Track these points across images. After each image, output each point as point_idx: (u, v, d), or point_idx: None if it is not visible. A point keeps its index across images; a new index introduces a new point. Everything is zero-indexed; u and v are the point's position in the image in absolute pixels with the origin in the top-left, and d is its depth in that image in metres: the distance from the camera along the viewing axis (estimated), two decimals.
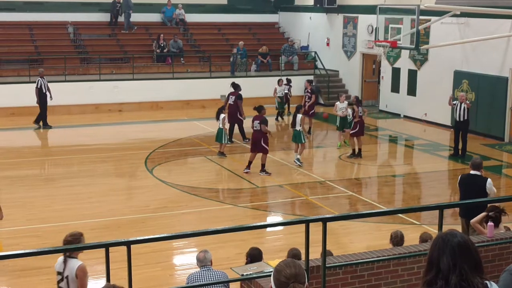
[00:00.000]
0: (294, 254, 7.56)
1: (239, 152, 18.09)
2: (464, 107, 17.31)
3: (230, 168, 16.33)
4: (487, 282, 3.34)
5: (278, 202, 13.94)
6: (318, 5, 26.91)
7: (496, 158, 17.73)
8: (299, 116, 16.31)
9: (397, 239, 8.17)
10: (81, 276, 6.65)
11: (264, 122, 15.47)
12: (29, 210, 12.75)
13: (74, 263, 6.72)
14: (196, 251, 8.68)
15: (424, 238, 8.09)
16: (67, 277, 6.73)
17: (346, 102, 18.57)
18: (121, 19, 28.23)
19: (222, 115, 17.17)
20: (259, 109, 15.80)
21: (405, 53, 23.26)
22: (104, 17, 28.15)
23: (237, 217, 12.75)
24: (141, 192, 14.29)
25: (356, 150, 17.44)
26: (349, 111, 18.02)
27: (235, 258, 9.62)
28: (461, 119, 17.43)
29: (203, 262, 7.35)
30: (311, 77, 25.65)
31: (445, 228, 5.38)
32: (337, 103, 18.60)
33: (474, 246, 3.34)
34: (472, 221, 8.27)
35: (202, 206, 13.41)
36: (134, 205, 13.34)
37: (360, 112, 17.36)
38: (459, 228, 9.37)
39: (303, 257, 6.21)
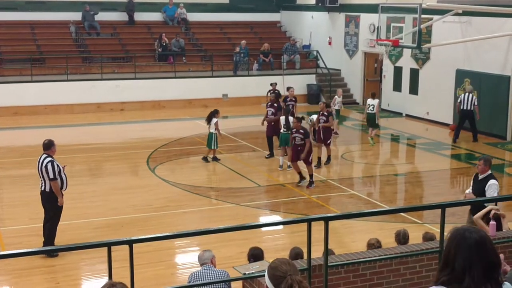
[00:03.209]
0: (296, 253, 7.56)
1: (240, 151, 18.10)
2: (472, 96, 18.83)
3: (232, 167, 16.33)
4: (502, 284, 3.25)
5: (280, 201, 13.94)
6: (320, 4, 26.89)
7: (498, 157, 17.71)
8: (291, 118, 16.18)
9: (399, 237, 8.16)
10: None
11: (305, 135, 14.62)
12: (32, 209, 12.74)
13: None
14: (198, 250, 8.70)
15: (427, 238, 8.08)
16: None
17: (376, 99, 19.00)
18: (137, 17, 28.34)
19: (214, 119, 16.44)
20: (300, 119, 14.99)
21: (407, 52, 23.25)
22: (107, 16, 28.14)
23: (239, 216, 12.75)
24: (143, 191, 14.29)
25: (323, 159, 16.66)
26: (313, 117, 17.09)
27: (237, 257, 9.62)
28: (469, 108, 18.92)
29: (203, 260, 7.37)
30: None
31: (447, 227, 5.38)
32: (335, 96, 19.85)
33: (492, 245, 3.20)
34: (475, 217, 8.28)
35: (204, 205, 13.43)
36: (136, 204, 13.35)
37: (309, 121, 16.92)
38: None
39: (305, 256, 6.22)
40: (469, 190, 9.92)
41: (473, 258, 3.10)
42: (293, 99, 18.92)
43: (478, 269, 3.09)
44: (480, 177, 9.61)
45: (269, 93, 19.83)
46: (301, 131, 14.44)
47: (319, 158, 16.43)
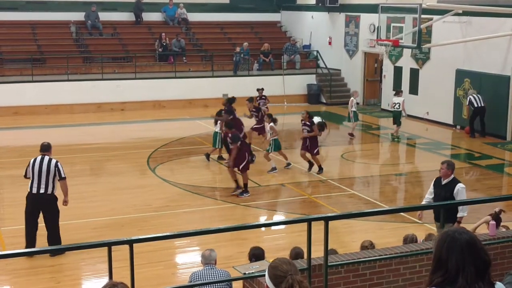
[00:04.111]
0: (296, 253, 7.57)
1: None
2: (479, 96, 19.57)
3: None
4: (494, 283, 3.28)
5: (280, 201, 13.95)
6: (320, 4, 26.90)
7: (498, 157, 17.74)
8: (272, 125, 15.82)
9: (406, 242, 8.15)
10: None
11: (233, 139, 13.96)
12: None
13: None
14: (199, 250, 8.71)
15: (429, 239, 8.09)
16: None
17: (401, 97, 19.74)
18: (146, 17, 28.43)
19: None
20: (229, 126, 14.42)
21: (407, 52, 23.25)
22: (107, 16, 28.15)
23: (239, 216, 12.76)
24: (143, 191, 14.30)
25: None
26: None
27: (237, 256, 9.64)
28: (482, 104, 19.58)
29: (208, 260, 7.38)
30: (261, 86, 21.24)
31: (446, 227, 5.39)
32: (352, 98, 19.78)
33: (482, 245, 3.25)
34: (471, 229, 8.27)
35: (204, 205, 13.43)
36: (136, 204, 13.36)
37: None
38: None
39: (305, 255, 6.23)
40: (427, 197, 9.74)
41: (465, 258, 3.15)
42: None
43: (471, 269, 3.14)
44: (444, 181, 9.41)
45: (256, 99, 19.37)
46: (230, 135, 14.04)
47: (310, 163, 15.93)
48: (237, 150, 13.67)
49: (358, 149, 19.16)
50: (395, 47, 20.98)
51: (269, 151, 15.89)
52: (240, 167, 13.71)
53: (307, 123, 15.65)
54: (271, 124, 15.85)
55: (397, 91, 20.37)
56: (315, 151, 15.63)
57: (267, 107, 19.11)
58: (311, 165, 15.82)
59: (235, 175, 13.99)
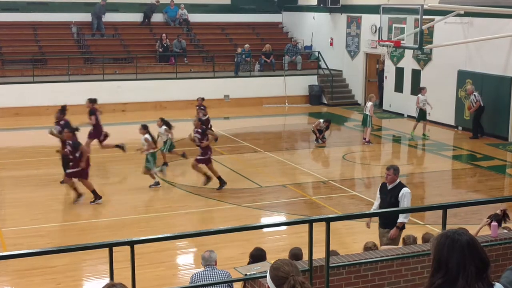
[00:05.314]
0: (294, 254, 7.55)
1: (241, 152, 18.09)
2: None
3: (233, 168, 16.33)
4: (493, 283, 3.29)
5: (281, 202, 13.93)
6: (321, 5, 26.89)
7: (500, 158, 17.71)
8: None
9: (409, 242, 8.14)
10: None
11: (74, 146, 13.44)
12: (33, 210, 12.78)
13: None
14: (199, 251, 8.69)
15: (426, 238, 8.08)
16: None
17: (425, 96, 20.13)
18: (139, 18, 28.48)
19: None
20: (72, 130, 13.84)
21: (408, 53, 23.24)
22: (108, 17, 28.13)
23: (241, 217, 12.75)
24: (144, 192, 14.29)
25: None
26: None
27: (238, 258, 9.62)
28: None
29: (208, 261, 7.38)
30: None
31: (448, 228, 5.37)
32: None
33: (480, 245, 3.27)
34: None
35: (206, 206, 13.43)
36: (137, 205, 13.36)
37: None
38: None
39: (306, 257, 6.21)
40: (375, 204, 9.71)
41: (466, 259, 3.16)
42: (202, 107, 18.83)
43: (471, 269, 3.15)
44: (390, 186, 9.35)
45: (196, 109, 19.25)
46: (70, 143, 13.51)
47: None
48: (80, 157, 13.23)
49: (360, 150, 19.13)
50: (396, 48, 20.96)
51: (151, 168, 14.68)
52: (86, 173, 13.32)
53: (199, 130, 14.56)
54: (146, 136, 14.62)
55: (419, 88, 20.74)
56: (201, 159, 14.37)
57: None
58: (207, 178, 14.46)
59: (74, 184, 13.45)
